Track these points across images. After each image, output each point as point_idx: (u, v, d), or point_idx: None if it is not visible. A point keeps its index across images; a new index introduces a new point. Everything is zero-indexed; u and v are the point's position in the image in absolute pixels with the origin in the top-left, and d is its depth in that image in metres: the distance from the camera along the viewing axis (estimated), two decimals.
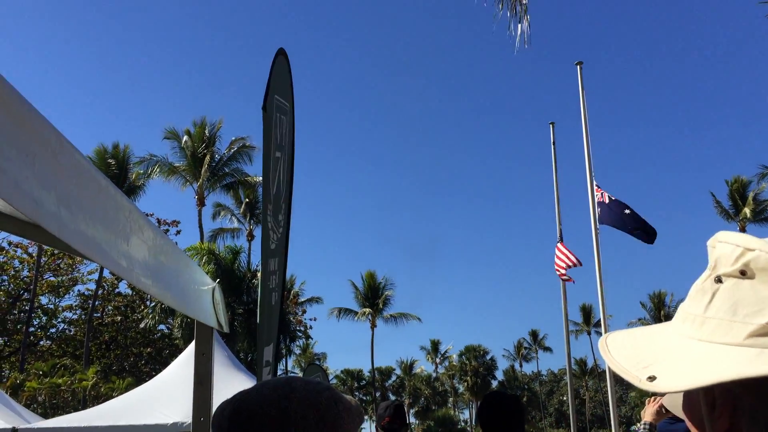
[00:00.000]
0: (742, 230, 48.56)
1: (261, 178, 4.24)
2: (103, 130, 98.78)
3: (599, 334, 70.37)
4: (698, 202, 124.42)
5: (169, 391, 9.42)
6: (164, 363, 25.91)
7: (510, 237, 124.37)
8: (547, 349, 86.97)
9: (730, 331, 0.71)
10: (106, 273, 36.02)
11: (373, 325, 57.99)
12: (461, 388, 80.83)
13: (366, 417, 75.02)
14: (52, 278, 37.37)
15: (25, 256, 35.54)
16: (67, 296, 38.62)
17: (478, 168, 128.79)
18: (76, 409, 19.91)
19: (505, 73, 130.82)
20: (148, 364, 37.52)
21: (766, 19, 12.09)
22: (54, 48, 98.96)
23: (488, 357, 79.96)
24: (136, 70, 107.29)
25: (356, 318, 58.05)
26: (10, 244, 34.82)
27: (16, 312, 36.72)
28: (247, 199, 40.88)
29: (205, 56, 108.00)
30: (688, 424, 0.82)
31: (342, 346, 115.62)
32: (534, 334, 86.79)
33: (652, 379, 0.73)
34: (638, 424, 4.06)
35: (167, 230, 36.79)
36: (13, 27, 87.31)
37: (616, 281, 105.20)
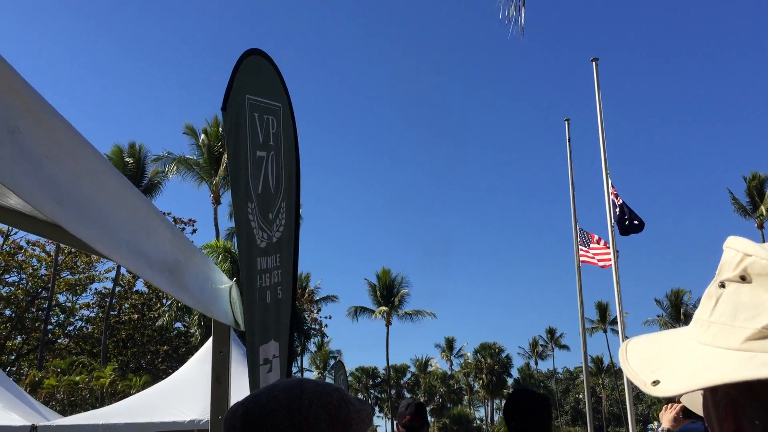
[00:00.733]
0: (759, 227, 48.10)
1: None
2: (120, 129, 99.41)
3: (615, 331, 69.97)
4: (716, 199, 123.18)
5: (186, 388, 9.47)
6: (180, 360, 26.05)
7: (525, 233, 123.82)
8: (564, 347, 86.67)
9: (730, 336, 0.73)
10: (123, 271, 36.33)
11: (388, 323, 58.05)
12: (476, 386, 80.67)
13: (381, 414, 75.10)
14: (70, 276, 37.73)
15: (42, 254, 35.83)
16: (84, 294, 39.05)
17: (493, 164, 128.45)
18: (94, 407, 20.07)
19: (520, 69, 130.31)
20: (165, 361, 37.79)
21: None
22: (73, 44, 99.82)
23: (503, 355, 79.73)
24: (155, 66, 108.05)
25: (372, 317, 58.13)
26: (28, 243, 35.18)
27: (34, 310, 37.10)
28: None
29: (224, 54, 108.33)
30: (708, 424, 0.84)
31: (357, 343, 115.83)
32: (551, 332, 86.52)
33: (656, 383, 0.76)
34: (655, 423, 4.05)
35: (183, 229, 37.00)
36: (27, 28, 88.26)
37: (632, 278, 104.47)
